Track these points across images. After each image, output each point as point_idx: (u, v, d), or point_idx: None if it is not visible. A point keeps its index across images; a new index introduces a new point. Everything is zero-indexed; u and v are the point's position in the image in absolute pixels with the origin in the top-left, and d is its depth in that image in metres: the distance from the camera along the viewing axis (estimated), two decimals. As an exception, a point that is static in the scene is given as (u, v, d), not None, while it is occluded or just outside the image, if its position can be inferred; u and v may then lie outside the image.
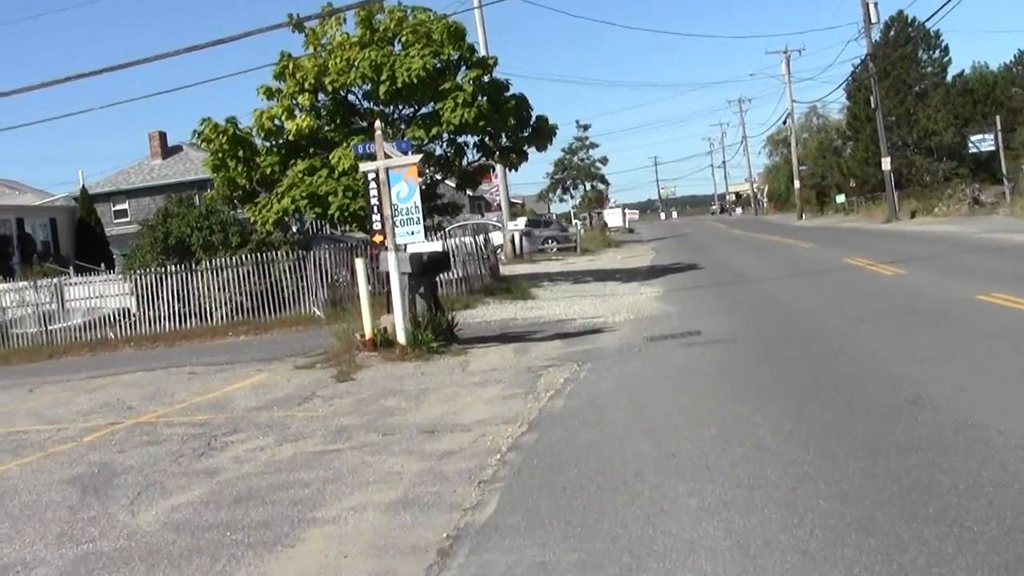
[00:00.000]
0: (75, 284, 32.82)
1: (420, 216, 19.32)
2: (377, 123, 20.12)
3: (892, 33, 77.54)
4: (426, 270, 19.94)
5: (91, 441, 13.74)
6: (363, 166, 19.76)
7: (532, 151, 34.79)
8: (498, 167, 44.97)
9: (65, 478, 11.49)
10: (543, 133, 34.01)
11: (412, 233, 19.27)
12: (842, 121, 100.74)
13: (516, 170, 35.28)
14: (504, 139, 33.58)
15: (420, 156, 21.51)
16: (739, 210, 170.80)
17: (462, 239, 34.02)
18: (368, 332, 19.01)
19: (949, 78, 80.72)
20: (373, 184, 19.19)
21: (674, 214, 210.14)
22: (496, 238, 47.85)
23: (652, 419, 11.36)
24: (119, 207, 65.34)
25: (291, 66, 30.69)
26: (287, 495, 9.66)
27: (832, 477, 8.22)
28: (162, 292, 30.57)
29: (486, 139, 33.23)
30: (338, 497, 9.43)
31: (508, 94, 32.88)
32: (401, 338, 18.76)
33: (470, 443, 11.17)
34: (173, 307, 30.47)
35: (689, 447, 9.77)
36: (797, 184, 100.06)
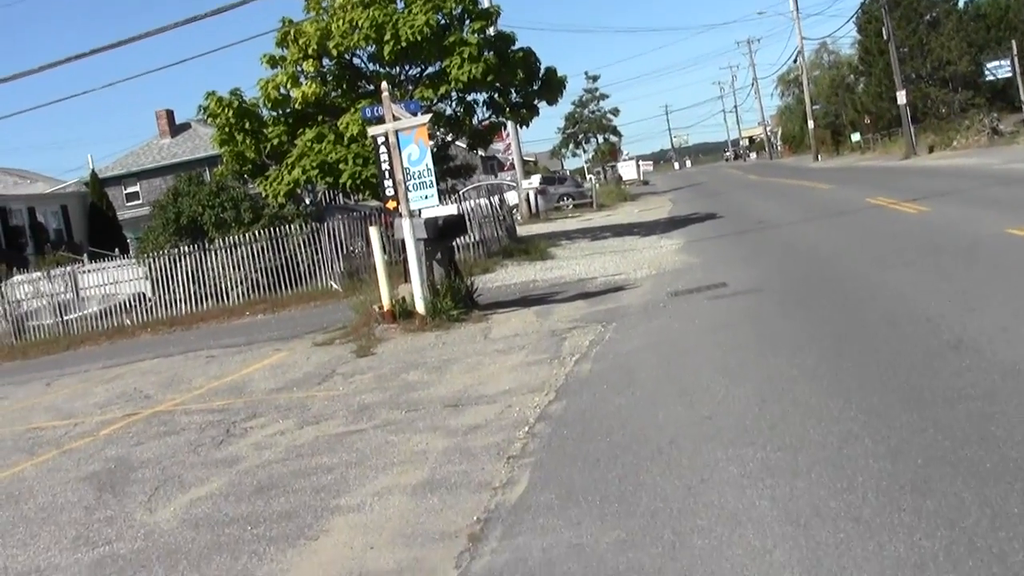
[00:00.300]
0: (89, 272, 32.44)
1: (433, 179, 18.88)
2: (383, 84, 19.62)
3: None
4: (442, 235, 19.50)
5: (108, 434, 13.39)
6: (371, 130, 19.30)
7: (543, 105, 34.31)
8: (509, 125, 44.51)
9: (81, 476, 11.13)
10: (553, 86, 33.47)
11: (426, 197, 18.82)
12: (854, 56, 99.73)
13: (527, 126, 34.85)
14: (514, 94, 33.07)
15: (429, 116, 21.00)
16: (753, 155, 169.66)
17: (477, 201, 33.51)
18: (386, 303, 18.60)
19: (961, 4, 79.71)
20: (383, 148, 18.72)
21: (688, 163, 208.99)
22: (511, 198, 47.30)
23: (683, 379, 10.93)
24: (130, 190, 65.09)
25: (293, 32, 30.18)
26: (309, 482, 9.28)
27: (879, 434, 7.78)
28: (177, 274, 30.23)
29: (495, 95, 32.74)
30: (362, 482, 9.04)
31: (515, 47, 32.35)
32: (420, 307, 18.35)
33: (496, 415, 10.77)
34: (188, 289, 30.13)
35: (725, 408, 9.35)
36: (811, 125, 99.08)
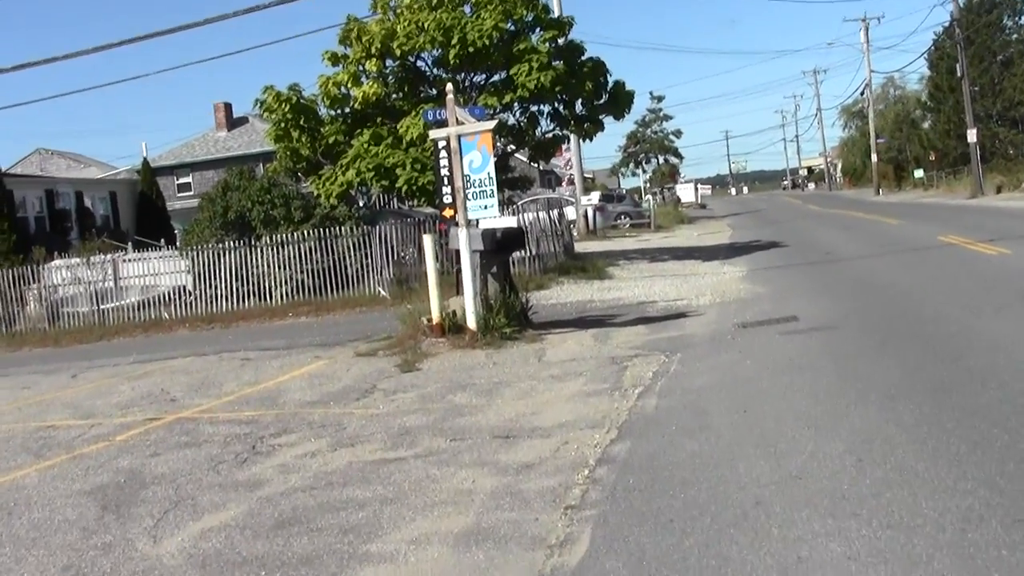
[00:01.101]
0: (131, 261, 31.44)
1: (494, 188, 17.78)
2: (448, 86, 18.50)
3: (975, -1, 74.89)
4: (499, 248, 18.34)
5: (124, 441, 12.30)
6: (433, 133, 18.23)
7: (607, 121, 33.23)
8: (572, 139, 43.42)
9: (86, 488, 10.04)
10: (620, 100, 32.33)
11: (485, 207, 17.72)
12: (921, 92, 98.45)
13: (591, 140, 33.65)
14: (579, 107, 31.95)
15: (495, 122, 19.85)
16: (812, 185, 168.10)
17: (535, 214, 32.33)
18: (436, 316, 17.51)
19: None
20: (444, 153, 17.66)
21: (745, 189, 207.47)
22: (569, 213, 46.17)
23: (763, 426, 9.76)
24: (182, 180, 64.37)
25: (357, 30, 29.23)
26: (337, 520, 8.14)
27: (1007, 515, 6.59)
28: (220, 270, 29.23)
29: (560, 107, 31.65)
30: (397, 524, 7.90)
31: (584, 57, 31.25)
32: (471, 323, 17.24)
33: (552, 452, 9.64)
34: (231, 286, 29.11)
35: (816, 466, 8.17)
36: (874, 158, 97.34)
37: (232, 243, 29.46)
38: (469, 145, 17.58)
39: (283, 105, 29.10)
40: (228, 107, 67.34)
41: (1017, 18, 77.09)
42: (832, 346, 14.00)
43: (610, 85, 32.02)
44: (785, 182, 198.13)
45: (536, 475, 8.91)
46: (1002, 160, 70.73)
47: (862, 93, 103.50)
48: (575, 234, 44.92)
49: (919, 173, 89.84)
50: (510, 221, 21.85)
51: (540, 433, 10.53)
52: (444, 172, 17.71)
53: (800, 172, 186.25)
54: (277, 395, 14.57)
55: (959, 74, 63.60)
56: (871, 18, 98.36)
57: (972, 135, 61.27)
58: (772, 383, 11.86)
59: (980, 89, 72.64)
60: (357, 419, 12.23)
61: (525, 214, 31.68)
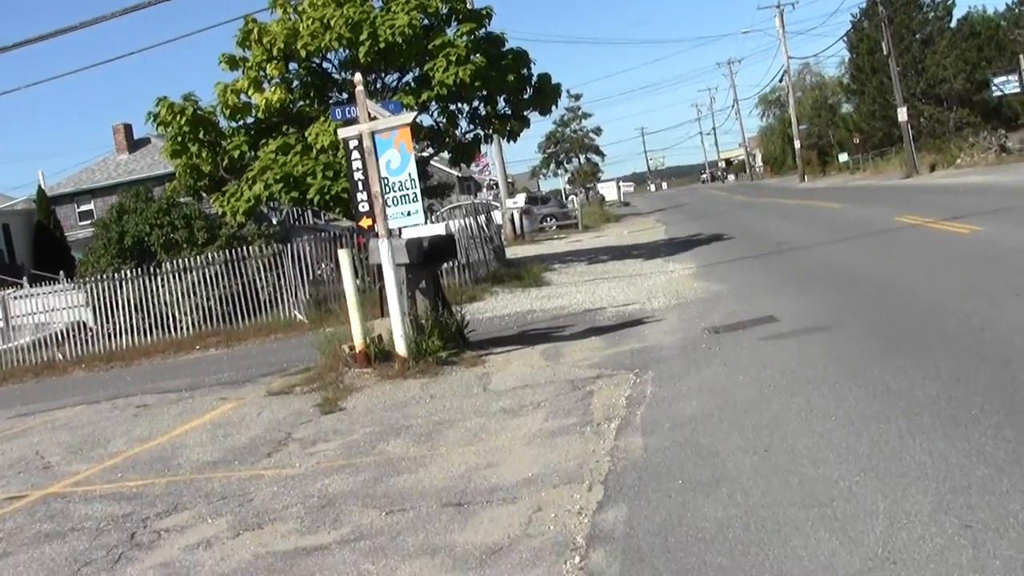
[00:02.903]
0: (23, 297, 28.54)
1: (418, 191, 15.26)
2: (357, 76, 15.84)
3: (893, -25, 73.22)
4: (427, 259, 15.82)
5: (-32, 535, 9.70)
6: (342, 131, 15.71)
7: (531, 118, 30.75)
8: (493, 141, 40.99)
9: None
10: (546, 93, 29.93)
11: (408, 214, 15.23)
12: (839, 76, 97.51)
13: (516, 139, 31.05)
14: (502, 103, 29.53)
15: (414, 114, 17.27)
16: (731, 177, 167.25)
17: (463, 220, 29.76)
18: (358, 343, 15.02)
19: (954, 22, 76.65)
20: (356, 155, 15.17)
21: (664, 185, 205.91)
22: (496, 218, 43.83)
23: (800, 473, 7.38)
24: (84, 208, 60.94)
25: (257, 31, 26.66)
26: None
27: None
28: (118, 302, 26.43)
29: (482, 105, 29.21)
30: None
31: (505, 49, 28.83)
32: (401, 348, 14.75)
33: (522, 527, 7.23)
34: (132, 318, 26.33)
35: (906, 540, 5.80)
36: (797, 144, 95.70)
37: (130, 272, 26.70)
38: (385, 143, 15.09)
39: (178, 117, 26.42)
40: (128, 128, 63.99)
41: (934, -6, 75.70)
42: (835, 352, 11.66)
43: (534, 78, 29.66)
44: (704, 175, 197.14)
45: (508, 568, 6.49)
46: (930, 139, 69.14)
47: (780, 80, 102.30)
48: (504, 239, 42.62)
49: (844, 157, 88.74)
50: (438, 228, 19.29)
51: (502, 495, 8.12)
52: (358, 176, 15.24)
53: (719, 164, 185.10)
54: (172, 454, 11.98)
55: (885, 52, 62.00)
56: (786, 3, 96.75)
57: (902, 113, 59.53)
58: (784, 407, 9.47)
59: (903, 68, 71.01)
60: (267, 484, 9.73)
61: (452, 221, 29.05)
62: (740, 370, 11.50)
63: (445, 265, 22.33)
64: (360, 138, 15.01)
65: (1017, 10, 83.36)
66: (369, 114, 15.18)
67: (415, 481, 9.01)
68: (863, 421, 8.47)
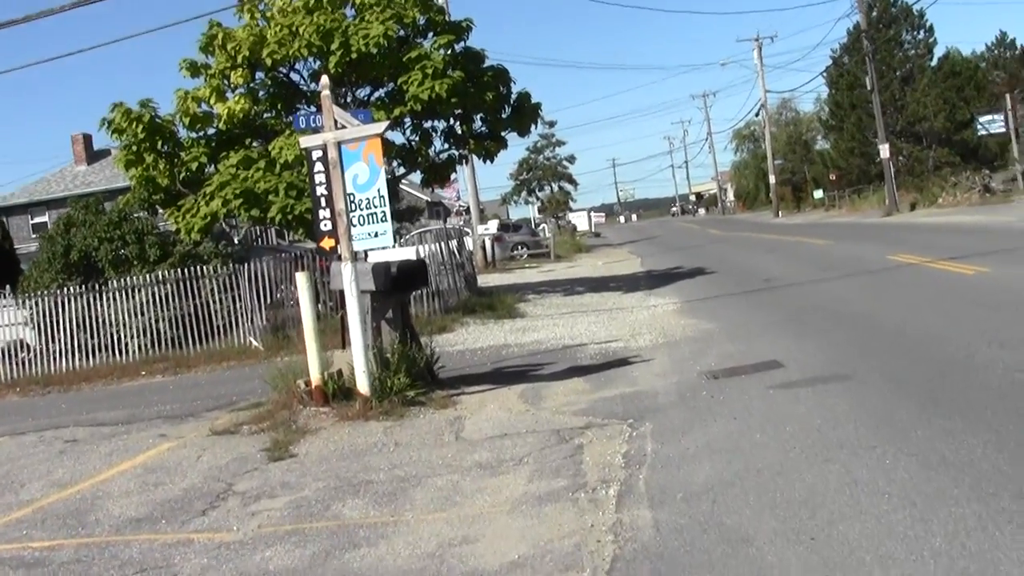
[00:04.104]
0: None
1: (387, 210, 13.59)
2: (324, 79, 14.11)
3: (874, 13, 72.10)
4: (396, 286, 14.18)
5: None
6: (304, 140, 14.05)
7: (509, 138, 29.18)
8: (467, 162, 39.39)
9: None
10: (525, 113, 28.31)
11: (376, 235, 13.57)
12: (814, 113, 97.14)
13: (492, 160, 29.41)
14: (479, 122, 27.95)
15: (386, 124, 15.50)
16: (702, 211, 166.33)
17: (434, 245, 28.01)
18: (315, 377, 13.35)
19: (935, 60, 75.77)
20: (319, 166, 13.53)
21: (634, 217, 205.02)
22: (467, 244, 42.25)
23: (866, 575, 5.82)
24: (38, 220, 58.82)
25: (221, 36, 25.00)
26: None
27: None
28: (61, 320, 24.53)
29: (457, 123, 27.62)
30: None
31: (485, 65, 27.25)
32: (363, 385, 13.08)
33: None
34: (75, 338, 24.44)
35: None
36: (772, 180, 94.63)
37: (75, 288, 24.88)
38: (352, 155, 13.45)
39: (134, 125, 24.64)
40: (88, 139, 62.03)
41: (916, 33, 74.73)
42: (863, 408, 10.08)
43: (514, 97, 28.10)
44: (674, 208, 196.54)
45: None
46: (908, 177, 68.09)
47: (757, 114, 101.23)
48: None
49: (819, 193, 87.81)
50: (407, 252, 17.61)
51: (484, 586, 6.51)
52: (320, 191, 13.59)
53: (690, 198, 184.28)
54: (91, 506, 10.22)
55: (869, 87, 60.88)
56: (765, 37, 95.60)
57: (884, 150, 58.24)
58: (819, 477, 7.88)
59: (883, 105, 70.11)
60: (196, 554, 8.07)
61: (423, 246, 27.28)
62: (755, 426, 9.92)
63: (414, 293, 20.70)
64: (325, 148, 13.38)
65: (996, 51, 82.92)
66: (336, 122, 13.56)
67: (375, 559, 7.38)
68: (926, 502, 6.90)
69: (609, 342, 18.08)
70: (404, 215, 30.97)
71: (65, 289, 24.91)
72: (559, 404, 12.72)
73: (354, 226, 13.41)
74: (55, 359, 24.38)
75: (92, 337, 24.41)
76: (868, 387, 11.09)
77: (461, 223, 56.58)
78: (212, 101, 25.18)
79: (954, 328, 14.27)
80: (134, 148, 25.15)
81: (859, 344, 14.20)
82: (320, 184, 13.56)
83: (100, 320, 24.46)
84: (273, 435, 12.43)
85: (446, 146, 28.70)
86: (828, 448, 8.69)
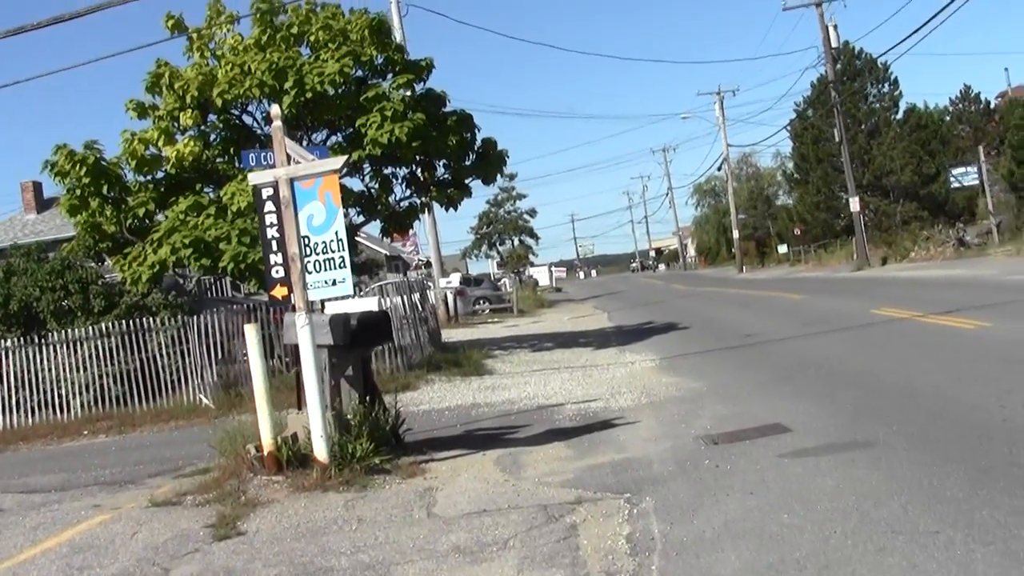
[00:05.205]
0: None
1: (346, 255, 12.21)
2: (275, 109, 12.72)
3: (839, 66, 71.35)
4: (356, 340, 12.72)
5: None
6: (254, 177, 12.60)
7: (473, 186, 27.95)
8: (427, 213, 38.05)
9: None
10: (491, 160, 27.05)
11: (334, 282, 12.15)
12: (774, 168, 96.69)
13: (456, 208, 28.05)
14: (442, 169, 26.66)
15: (343, 159, 13.99)
16: (662, 266, 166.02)
17: (394, 298, 26.58)
18: (267, 443, 11.85)
19: (900, 114, 75.10)
20: (270, 206, 12.11)
21: (593, 273, 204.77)
22: (429, 296, 40.94)
23: None
24: (-17, 270, 57.02)
25: (168, 75, 23.65)
26: None
27: None
28: (0, 375, 23.00)
29: (419, 170, 26.29)
30: None
31: (447, 109, 25.97)
32: (320, 451, 11.60)
33: None
34: (14, 394, 22.85)
35: None
36: (736, 234, 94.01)
37: (15, 341, 23.31)
38: (307, 193, 12.06)
39: (78, 167, 23.19)
40: (38, 186, 60.13)
41: (881, 86, 74.14)
42: (904, 481, 8.71)
43: (478, 143, 26.83)
44: (634, 264, 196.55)
45: None
46: (876, 231, 67.27)
47: (719, 168, 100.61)
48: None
49: (783, 248, 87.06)
50: (369, 303, 16.13)
51: None
52: (271, 234, 12.17)
53: (650, 253, 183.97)
54: (1, 597, 8.77)
55: (837, 138, 60.10)
56: (726, 91, 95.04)
57: (855, 203, 57.36)
58: (878, 571, 6.49)
59: (849, 158, 69.47)
60: (115, 667, 6.59)
61: (384, 298, 25.82)
62: (777, 504, 8.53)
63: (376, 348, 19.29)
64: (276, 186, 11.97)
65: (960, 105, 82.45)
66: (289, 157, 12.17)
67: None
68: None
69: (587, 401, 16.78)
70: (364, 268, 29.51)
71: (3, 341, 23.32)
72: (541, 473, 11.31)
73: (309, 272, 12.01)
74: (-8, 417, 22.77)
75: (32, 393, 22.85)
76: (898, 455, 9.74)
77: (422, 276, 55.32)
78: (160, 143, 23.86)
79: (975, 387, 12.98)
80: (78, 192, 23.75)
81: (869, 405, 12.86)
82: (271, 226, 12.14)
83: (40, 375, 22.91)
84: (219, 508, 10.92)
85: (407, 193, 27.43)
86: (877, 533, 7.30)
